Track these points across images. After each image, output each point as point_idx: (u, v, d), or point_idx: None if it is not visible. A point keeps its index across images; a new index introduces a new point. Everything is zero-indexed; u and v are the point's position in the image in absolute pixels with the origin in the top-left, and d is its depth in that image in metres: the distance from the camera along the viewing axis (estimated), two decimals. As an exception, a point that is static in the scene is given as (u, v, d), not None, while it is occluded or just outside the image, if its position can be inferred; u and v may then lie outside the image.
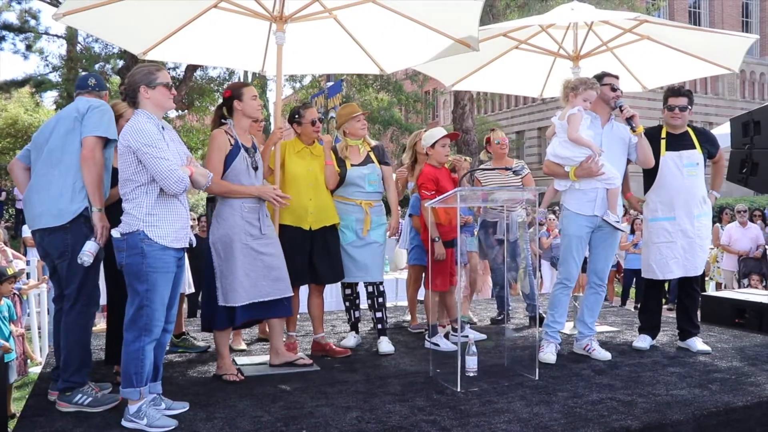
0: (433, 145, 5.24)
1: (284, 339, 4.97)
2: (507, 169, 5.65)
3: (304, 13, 5.17)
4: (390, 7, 5.16)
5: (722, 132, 7.85)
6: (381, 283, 5.16)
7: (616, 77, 5.02)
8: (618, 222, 4.81)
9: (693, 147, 5.00)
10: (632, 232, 11.21)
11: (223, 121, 4.39)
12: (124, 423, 3.40)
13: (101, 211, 3.69)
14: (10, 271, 5.84)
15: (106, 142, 3.75)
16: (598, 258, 4.90)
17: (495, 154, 6.12)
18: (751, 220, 11.55)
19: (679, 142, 5.01)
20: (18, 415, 4.35)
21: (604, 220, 4.79)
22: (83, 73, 4.22)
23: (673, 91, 5.08)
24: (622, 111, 4.85)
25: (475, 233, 6.23)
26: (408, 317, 6.53)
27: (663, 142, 5.02)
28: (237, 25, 5.43)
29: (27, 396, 5.88)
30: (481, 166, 6.28)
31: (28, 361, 7.34)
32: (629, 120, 4.82)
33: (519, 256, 5.78)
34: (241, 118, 4.36)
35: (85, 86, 3.98)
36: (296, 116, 4.97)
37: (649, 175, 5.09)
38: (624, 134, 4.91)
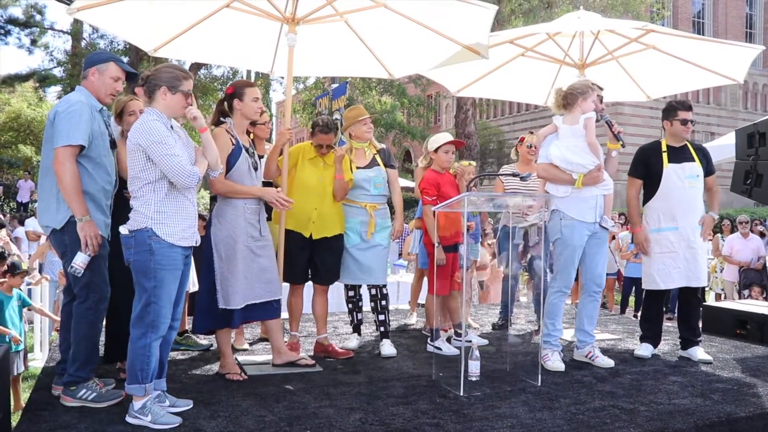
0: (436, 150, 5.26)
1: (287, 339, 5.00)
2: (515, 174, 5.66)
3: (316, 16, 5.19)
4: (401, 12, 5.18)
5: (726, 143, 7.90)
6: (384, 285, 5.17)
7: (602, 89, 5.03)
8: (613, 226, 4.88)
9: (693, 159, 5.09)
10: (633, 241, 11.22)
11: (221, 119, 4.38)
12: (128, 419, 3.41)
13: (82, 220, 3.62)
14: (23, 266, 6.01)
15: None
16: (596, 264, 4.89)
17: (522, 157, 6.13)
18: (751, 231, 11.58)
19: (680, 155, 5.08)
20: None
21: (601, 226, 4.81)
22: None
23: (684, 105, 5.13)
24: (611, 127, 4.87)
25: (481, 240, 6.25)
26: (411, 320, 6.55)
27: (665, 155, 5.08)
28: (247, 26, 5.46)
29: (28, 389, 5.91)
30: (503, 168, 6.30)
31: (29, 354, 7.36)
32: (617, 135, 4.86)
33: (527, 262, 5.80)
34: (240, 119, 4.35)
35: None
36: (315, 127, 5.00)
37: (650, 187, 5.13)
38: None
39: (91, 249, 3.63)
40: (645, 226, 5.19)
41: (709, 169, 5.16)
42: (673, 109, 5.14)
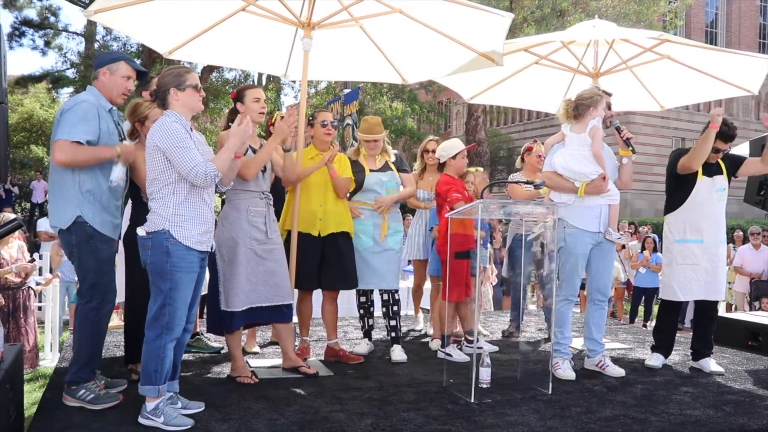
0: (454, 156, 5.26)
1: (297, 343, 5.00)
2: (528, 182, 5.65)
3: (331, 21, 5.22)
4: (417, 19, 5.20)
5: (738, 153, 7.86)
6: (396, 291, 5.17)
7: (610, 95, 5.00)
8: (619, 239, 4.85)
9: (722, 172, 5.03)
10: (642, 249, 11.19)
11: (230, 124, 4.40)
12: (141, 420, 3.42)
13: (116, 153, 3.72)
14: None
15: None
16: (600, 274, 4.89)
17: (531, 166, 6.11)
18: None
19: (712, 168, 5.00)
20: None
21: (606, 238, 4.80)
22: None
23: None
24: (620, 132, 4.85)
25: (489, 247, 6.24)
26: (418, 326, 6.55)
27: (700, 167, 4.97)
28: (262, 30, 5.48)
29: (40, 389, 5.94)
30: (511, 176, 6.30)
31: (39, 353, 7.40)
32: (627, 141, 4.84)
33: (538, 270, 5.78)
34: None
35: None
36: (310, 119, 5.02)
37: (676, 198, 5.07)
38: (611, 154, 4.93)
39: (128, 158, 3.79)
40: (668, 235, 5.14)
41: (737, 165, 5.07)
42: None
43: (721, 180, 5.02)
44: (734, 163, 5.11)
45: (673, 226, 5.11)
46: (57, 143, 3.62)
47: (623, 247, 11.65)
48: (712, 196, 4.98)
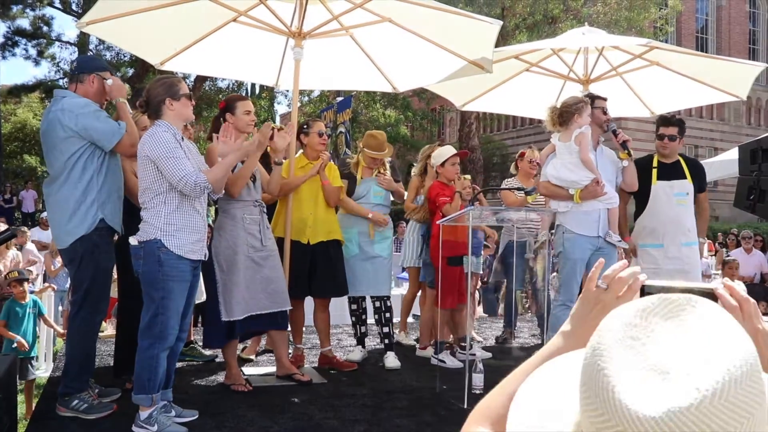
0: (442, 164, 5.29)
1: (291, 351, 5.02)
2: (519, 189, 5.69)
3: (322, 30, 5.25)
4: (406, 27, 5.24)
5: (729, 158, 7.93)
6: (388, 298, 5.19)
7: (605, 99, 5.03)
8: (620, 242, 4.85)
9: (684, 177, 5.01)
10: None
11: (216, 134, 4.41)
12: (134, 429, 3.43)
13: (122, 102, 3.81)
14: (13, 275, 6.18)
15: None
16: None
17: (523, 172, 6.11)
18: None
19: (670, 172, 5.01)
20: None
21: (606, 241, 4.78)
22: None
23: (664, 120, 5.12)
24: (616, 135, 4.88)
25: (482, 254, 6.26)
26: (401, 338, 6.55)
27: (654, 171, 5.02)
28: (253, 40, 5.52)
29: (34, 399, 5.93)
30: (505, 182, 6.34)
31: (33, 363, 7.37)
32: (624, 144, 4.86)
33: (532, 277, 5.81)
34: (233, 132, 4.37)
35: (69, 77, 3.91)
36: (304, 127, 5.04)
37: (639, 203, 5.10)
38: (613, 158, 4.95)
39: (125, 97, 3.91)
40: (633, 238, 5.14)
41: (700, 186, 5.08)
42: (656, 124, 5.14)
43: (682, 184, 4.99)
44: (701, 182, 5.11)
45: (636, 231, 5.13)
46: (122, 142, 3.68)
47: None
48: (671, 200, 4.95)
